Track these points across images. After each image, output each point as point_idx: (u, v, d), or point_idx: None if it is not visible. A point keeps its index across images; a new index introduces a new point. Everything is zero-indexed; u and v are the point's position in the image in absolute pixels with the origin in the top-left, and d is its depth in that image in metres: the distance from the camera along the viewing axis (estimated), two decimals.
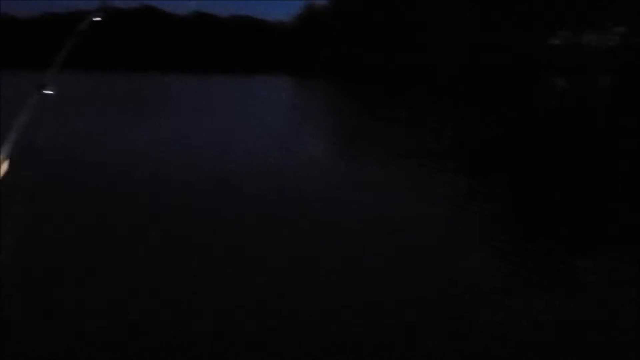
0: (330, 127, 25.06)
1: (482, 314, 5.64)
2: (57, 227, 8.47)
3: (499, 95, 41.19)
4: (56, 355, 4.82)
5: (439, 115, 27.40)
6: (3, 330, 4.79)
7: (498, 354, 4.94)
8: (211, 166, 14.21)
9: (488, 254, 7.50)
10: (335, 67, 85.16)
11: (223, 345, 5.07)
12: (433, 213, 9.61)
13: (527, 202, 10.74)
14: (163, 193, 11.14)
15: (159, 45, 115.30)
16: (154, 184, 12.05)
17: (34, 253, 6.89)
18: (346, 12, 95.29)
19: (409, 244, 7.79)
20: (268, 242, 7.92)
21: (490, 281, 6.50)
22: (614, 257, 7.30)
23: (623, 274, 6.64)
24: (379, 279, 6.58)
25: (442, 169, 13.67)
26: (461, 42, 73.38)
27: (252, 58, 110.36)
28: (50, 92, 1.29)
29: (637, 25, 63.73)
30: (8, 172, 1.27)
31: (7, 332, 4.82)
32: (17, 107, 1.65)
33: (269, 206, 10.07)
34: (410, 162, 14.72)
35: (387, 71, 68.43)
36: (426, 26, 79.49)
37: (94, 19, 1.44)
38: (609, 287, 6.35)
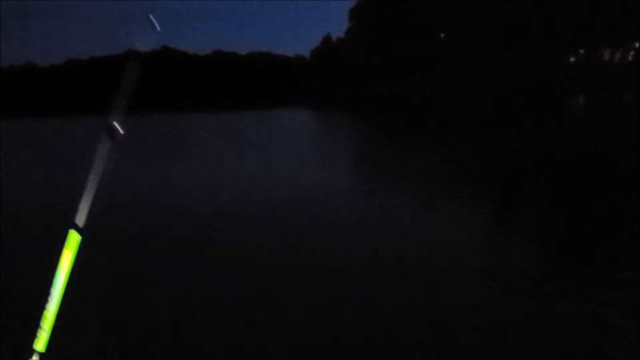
0: (352, 157, 25.18)
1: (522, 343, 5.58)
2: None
3: (520, 116, 40.94)
4: None
5: (461, 141, 27.29)
6: None
7: None
8: (240, 197, 14.40)
9: (524, 284, 7.38)
10: (354, 98, 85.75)
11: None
12: (464, 239, 9.54)
13: (560, 224, 10.58)
14: (196, 223, 11.42)
15: (181, 85, 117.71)
16: (188, 216, 12.33)
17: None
18: (363, 44, 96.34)
19: (441, 273, 7.74)
20: (297, 271, 7.99)
21: (529, 316, 6.38)
22: None
23: None
24: (416, 307, 6.59)
25: (468, 195, 13.57)
26: (480, 67, 73.50)
27: (273, 93, 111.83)
28: (121, 131, 1.18)
29: None
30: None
31: None
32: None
33: (299, 235, 10.17)
34: (436, 189, 14.67)
35: (406, 99, 68.63)
36: (443, 53, 79.91)
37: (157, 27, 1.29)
38: None
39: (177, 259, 9.08)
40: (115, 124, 1.22)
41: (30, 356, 0.93)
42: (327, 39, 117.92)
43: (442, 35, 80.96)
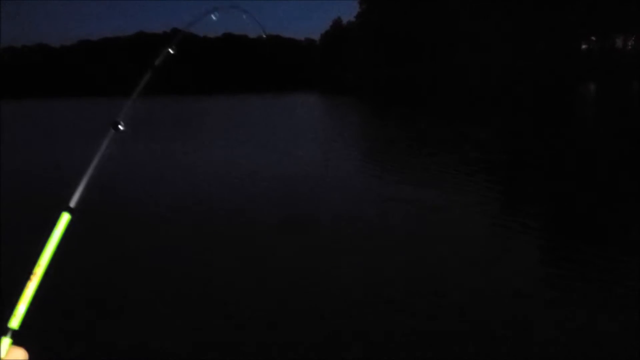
0: (363, 142, 25.18)
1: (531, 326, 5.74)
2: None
3: (531, 104, 40.69)
4: None
5: (472, 128, 27.02)
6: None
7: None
8: (248, 181, 14.45)
9: (534, 265, 7.44)
10: (365, 83, 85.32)
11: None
12: (471, 229, 9.50)
13: (572, 212, 10.53)
14: (202, 203, 11.55)
15: (190, 68, 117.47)
16: (195, 196, 12.50)
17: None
18: (373, 29, 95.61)
19: (452, 257, 7.78)
20: (304, 256, 8.14)
21: (540, 298, 6.47)
22: None
23: None
24: (426, 289, 6.74)
25: (476, 183, 13.47)
26: (490, 54, 72.92)
27: (282, 76, 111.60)
28: (123, 129, 1.19)
29: None
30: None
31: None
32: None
33: (307, 221, 10.21)
34: (444, 176, 14.52)
35: (415, 84, 68.14)
36: (454, 40, 79.28)
37: (170, 50, 1.27)
38: None
39: (184, 242, 9.27)
40: (120, 121, 1.29)
41: (5, 333, 0.92)
42: (337, 22, 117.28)
43: (453, 20, 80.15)
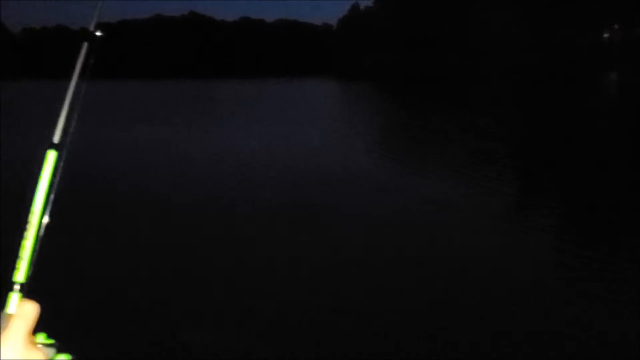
0: (378, 131, 25.00)
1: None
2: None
3: (552, 94, 40.14)
4: None
5: (490, 118, 26.65)
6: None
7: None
8: (261, 169, 14.40)
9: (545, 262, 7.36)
10: (381, 69, 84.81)
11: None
12: (487, 219, 9.42)
13: (586, 207, 10.37)
14: (214, 192, 11.57)
15: (207, 51, 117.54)
16: (207, 184, 12.51)
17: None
18: (390, 14, 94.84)
19: (454, 251, 7.73)
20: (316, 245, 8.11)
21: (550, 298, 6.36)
22: None
23: None
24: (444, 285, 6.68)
25: (493, 173, 13.29)
26: (511, 41, 72.04)
27: (299, 61, 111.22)
28: (102, 34, 0.99)
29: None
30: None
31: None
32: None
33: (318, 211, 10.16)
34: (464, 168, 14.31)
35: (435, 73, 67.60)
36: (474, 27, 78.38)
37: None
38: None
39: (188, 231, 9.24)
40: (96, 29, 1.09)
41: (11, 289, 0.87)
42: (355, 7, 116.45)
43: (471, 6, 79.19)
